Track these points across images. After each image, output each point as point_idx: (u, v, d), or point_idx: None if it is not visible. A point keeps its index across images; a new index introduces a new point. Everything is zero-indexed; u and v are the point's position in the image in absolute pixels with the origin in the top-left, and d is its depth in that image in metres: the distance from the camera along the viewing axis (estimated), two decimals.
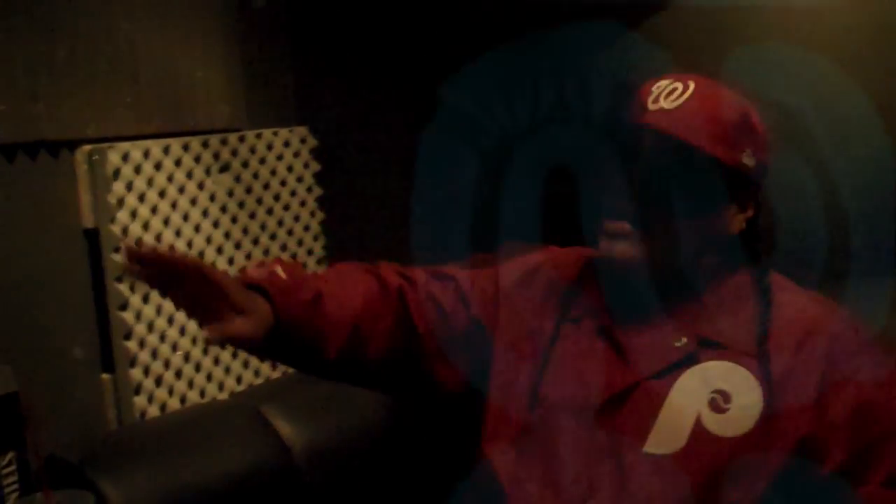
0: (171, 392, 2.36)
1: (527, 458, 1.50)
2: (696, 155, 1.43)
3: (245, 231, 2.56)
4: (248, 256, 2.56)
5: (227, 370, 2.50)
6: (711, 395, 1.43)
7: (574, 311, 1.56)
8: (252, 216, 2.58)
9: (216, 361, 2.47)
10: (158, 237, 2.33)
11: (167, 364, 2.35)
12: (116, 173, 2.24)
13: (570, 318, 1.56)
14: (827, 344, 1.44)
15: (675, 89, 1.45)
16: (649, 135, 1.44)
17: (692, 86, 1.45)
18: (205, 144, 2.46)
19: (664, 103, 1.44)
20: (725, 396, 1.43)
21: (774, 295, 1.49)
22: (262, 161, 2.61)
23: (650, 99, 1.45)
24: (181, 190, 2.39)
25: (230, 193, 2.52)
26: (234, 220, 2.53)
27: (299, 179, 2.71)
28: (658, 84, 1.47)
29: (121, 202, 2.25)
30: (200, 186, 2.44)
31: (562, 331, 1.55)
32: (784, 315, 1.47)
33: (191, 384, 2.41)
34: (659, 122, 1.43)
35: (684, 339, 1.47)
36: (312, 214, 2.75)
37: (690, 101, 1.44)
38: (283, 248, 2.66)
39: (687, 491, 1.40)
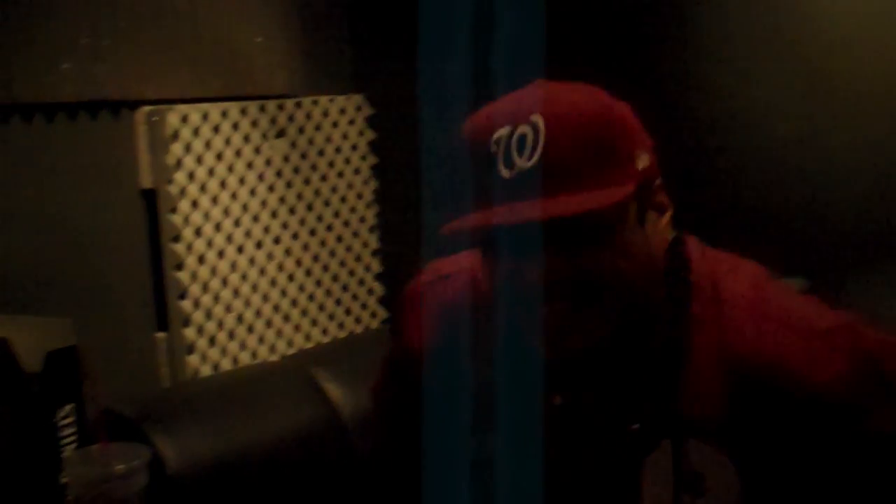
0: (223, 352, 2.40)
1: None
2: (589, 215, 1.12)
3: (299, 196, 2.58)
4: (302, 222, 2.58)
5: (279, 333, 2.53)
6: (684, 479, 1.21)
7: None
8: (306, 182, 2.60)
9: (268, 324, 2.50)
10: (214, 199, 2.35)
11: (220, 325, 2.38)
12: (175, 135, 2.27)
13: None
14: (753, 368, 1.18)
15: (523, 137, 1.12)
16: (528, 227, 1.11)
17: (541, 123, 1.12)
18: (262, 109, 2.48)
19: (521, 163, 1.11)
20: (698, 477, 1.21)
21: (692, 323, 1.21)
22: (318, 127, 2.62)
23: (500, 162, 1.12)
24: (238, 153, 2.41)
25: (286, 159, 2.54)
26: (288, 185, 2.55)
27: (354, 147, 2.73)
28: (499, 134, 1.14)
29: (179, 164, 2.28)
30: (257, 151, 2.46)
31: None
32: (702, 352, 1.21)
33: (243, 345, 2.44)
34: (528, 205, 1.11)
35: (636, 425, 1.22)
36: (366, 182, 2.77)
37: (549, 148, 1.11)
38: (336, 214, 2.68)
39: None
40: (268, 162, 2.49)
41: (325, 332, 2.65)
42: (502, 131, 1.13)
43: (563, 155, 1.11)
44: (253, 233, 2.45)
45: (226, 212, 2.38)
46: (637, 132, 1.19)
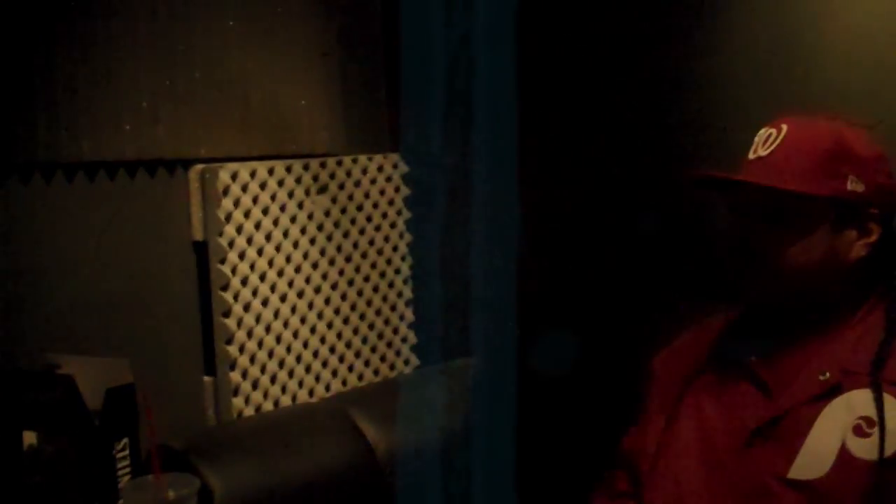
0: (265, 395, 2.55)
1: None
2: (787, 197, 1.53)
3: (339, 249, 2.75)
4: (341, 273, 2.75)
5: (317, 377, 2.68)
6: (857, 421, 1.46)
7: (717, 358, 1.66)
8: (346, 235, 2.77)
9: (307, 369, 2.65)
10: (260, 251, 2.52)
11: (263, 368, 2.54)
12: (226, 191, 2.44)
13: (712, 363, 1.66)
14: None
15: (770, 136, 1.57)
16: (745, 188, 1.56)
17: (784, 129, 1.56)
18: (305, 167, 2.65)
19: (760, 152, 1.57)
20: (870, 422, 1.44)
21: None
22: (357, 184, 2.80)
23: (752, 150, 1.59)
24: (283, 208, 2.58)
25: (327, 213, 2.71)
26: (329, 238, 2.72)
27: (390, 202, 2.89)
28: (760, 133, 1.60)
29: (228, 217, 2.45)
30: (300, 206, 2.63)
31: (701, 377, 1.65)
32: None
33: (284, 389, 2.60)
34: (753, 175, 1.55)
35: (828, 374, 1.51)
36: (401, 236, 2.93)
37: (781, 145, 1.55)
38: (373, 266, 2.84)
39: None
40: (310, 216, 2.66)
41: (360, 377, 2.80)
42: (763, 130, 1.60)
43: (788, 152, 1.54)
44: (295, 282, 2.62)
45: (270, 262, 2.55)
46: (862, 162, 1.55)
